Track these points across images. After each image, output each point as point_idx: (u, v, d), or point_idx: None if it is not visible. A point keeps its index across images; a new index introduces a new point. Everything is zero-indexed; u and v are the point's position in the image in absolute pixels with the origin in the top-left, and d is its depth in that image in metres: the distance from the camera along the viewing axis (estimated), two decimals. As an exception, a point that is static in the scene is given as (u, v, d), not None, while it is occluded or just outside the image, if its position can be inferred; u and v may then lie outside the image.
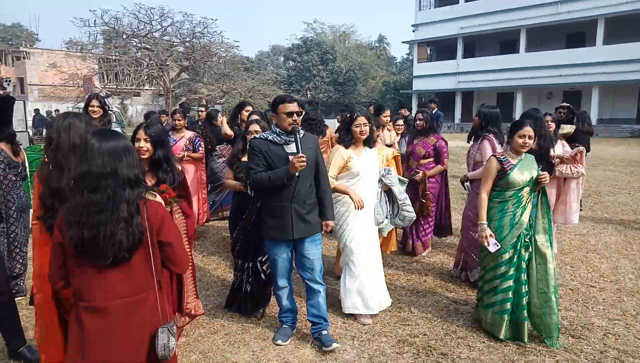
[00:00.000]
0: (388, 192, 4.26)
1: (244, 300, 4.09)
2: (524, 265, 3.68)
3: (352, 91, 43.94)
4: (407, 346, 3.60)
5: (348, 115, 4.04)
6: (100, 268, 1.98)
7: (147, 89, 32.34)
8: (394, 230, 5.02)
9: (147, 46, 22.89)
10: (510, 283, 3.66)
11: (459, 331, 3.83)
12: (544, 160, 4.68)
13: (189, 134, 6.07)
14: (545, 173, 3.72)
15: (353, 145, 4.00)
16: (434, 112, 10.92)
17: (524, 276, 3.67)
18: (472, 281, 4.68)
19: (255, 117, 4.81)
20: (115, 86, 24.39)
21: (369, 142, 4.04)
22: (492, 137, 4.72)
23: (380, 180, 4.19)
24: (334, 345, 3.52)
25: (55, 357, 2.51)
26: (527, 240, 3.68)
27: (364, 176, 3.97)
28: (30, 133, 20.92)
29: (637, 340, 3.68)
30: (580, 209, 8.02)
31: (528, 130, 3.64)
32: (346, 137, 4.01)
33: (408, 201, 4.30)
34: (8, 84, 4.32)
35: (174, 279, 3.35)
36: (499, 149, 4.57)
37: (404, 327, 3.89)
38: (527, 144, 3.66)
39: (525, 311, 3.63)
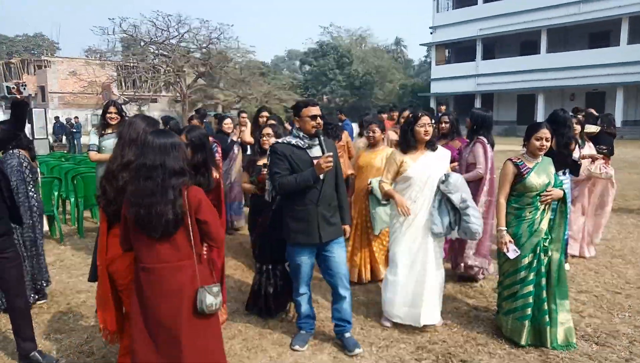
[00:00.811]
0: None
1: (265, 303, 4.08)
2: (543, 270, 3.59)
3: (369, 95, 43.88)
4: (426, 353, 3.53)
5: (411, 115, 3.90)
6: (151, 239, 2.49)
7: (164, 96, 32.77)
8: None
9: (164, 53, 23.17)
10: (531, 288, 3.58)
11: (479, 338, 3.75)
12: (568, 161, 4.60)
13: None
14: (553, 191, 3.61)
15: (413, 148, 3.83)
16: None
17: (544, 281, 3.59)
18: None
19: (271, 122, 4.81)
20: (132, 93, 24.76)
21: (432, 144, 3.87)
22: (484, 140, 4.73)
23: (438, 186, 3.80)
24: (357, 350, 3.50)
25: (109, 322, 2.87)
26: (546, 245, 3.60)
27: (417, 181, 3.77)
28: (51, 140, 21.34)
29: (666, 348, 3.55)
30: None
31: (545, 132, 3.57)
32: (406, 140, 3.84)
33: (473, 212, 3.70)
34: (24, 88, 4.39)
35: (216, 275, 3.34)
36: (490, 153, 4.66)
37: (422, 334, 3.82)
38: (545, 147, 3.59)
39: (547, 316, 3.54)
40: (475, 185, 4.66)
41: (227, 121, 6.42)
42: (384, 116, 8.80)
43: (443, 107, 11.13)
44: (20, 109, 3.24)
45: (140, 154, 2.53)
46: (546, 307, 3.55)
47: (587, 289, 4.72)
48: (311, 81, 44.29)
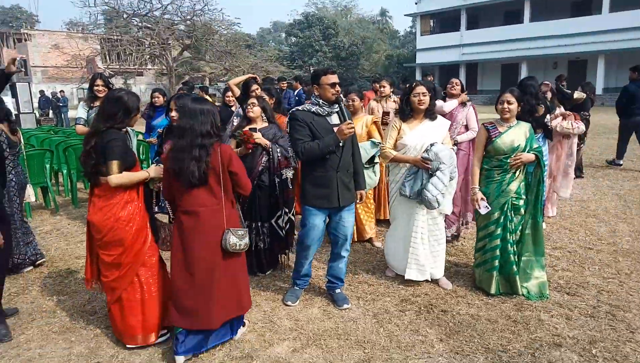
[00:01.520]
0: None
1: (257, 259, 4.33)
2: (511, 226, 3.87)
3: (356, 66, 43.62)
4: (410, 305, 3.79)
5: (407, 85, 4.05)
6: (189, 187, 2.91)
7: (149, 69, 32.32)
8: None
9: (148, 25, 22.83)
10: (498, 242, 3.88)
11: (459, 291, 4.02)
12: (540, 126, 4.86)
13: None
14: (521, 155, 3.80)
15: (411, 117, 3.99)
16: None
17: (512, 236, 3.88)
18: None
19: (258, 93, 4.97)
20: (118, 66, 24.45)
21: (430, 113, 3.98)
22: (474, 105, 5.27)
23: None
24: (346, 305, 3.75)
25: (87, 271, 3.36)
26: (515, 203, 3.86)
27: (412, 148, 3.94)
28: (37, 114, 21.10)
29: (630, 296, 3.85)
30: (582, 177, 8.21)
31: (506, 96, 3.85)
32: (405, 108, 3.99)
33: (436, 182, 3.75)
34: (22, 65, 4.43)
35: None
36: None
37: (406, 288, 4.08)
38: (507, 110, 3.83)
39: (514, 267, 3.84)
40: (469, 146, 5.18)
41: (229, 93, 6.48)
42: (377, 85, 8.81)
43: (430, 78, 11.21)
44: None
45: (178, 118, 3.05)
46: (513, 259, 3.84)
47: (561, 246, 5.01)
48: (297, 52, 43.82)
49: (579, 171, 8.30)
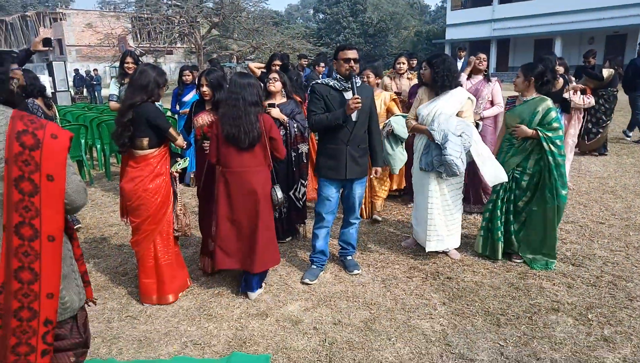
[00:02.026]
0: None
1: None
2: (505, 195, 4.10)
3: (384, 43, 43.12)
4: (417, 272, 4.00)
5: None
6: (238, 150, 3.37)
7: (179, 47, 32.77)
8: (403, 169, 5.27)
9: (177, 3, 23.12)
10: (490, 206, 4.20)
11: (465, 260, 4.20)
12: (557, 100, 4.94)
13: None
14: (518, 126, 3.93)
15: (431, 89, 4.13)
16: (462, 60, 10.85)
17: (503, 205, 4.11)
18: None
19: (277, 66, 5.18)
20: (148, 45, 24.89)
21: (439, 86, 3.98)
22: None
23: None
24: (356, 271, 3.99)
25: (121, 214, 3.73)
26: (518, 176, 4.02)
27: (423, 118, 4.06)
28: (72, 92, 21.83)
29: (634, 267, 3.96)
30: (606, 154, 8.15)
31: (518, 73, 4.00)
32: (421, 81, 4.40)
33: (453, 146, 3.81)
34: (50, 44, 4.77)
35: None
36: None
37: (415, 257, 4.29)
38: (515, 83, 4.02)
39: (499, 233, 4.11)
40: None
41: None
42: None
43: (463, 53, 11.03)
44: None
45: (229, 89, 3.42)
46: (499, 225, 4.11)
47: (573, 220, 5.10)
48: (325, 29, 43.54)
49: (603, 148, 8.24)
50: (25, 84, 3.60)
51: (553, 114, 3.83)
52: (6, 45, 45.25)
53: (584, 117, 6.20)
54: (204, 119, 3.82)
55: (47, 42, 4.40)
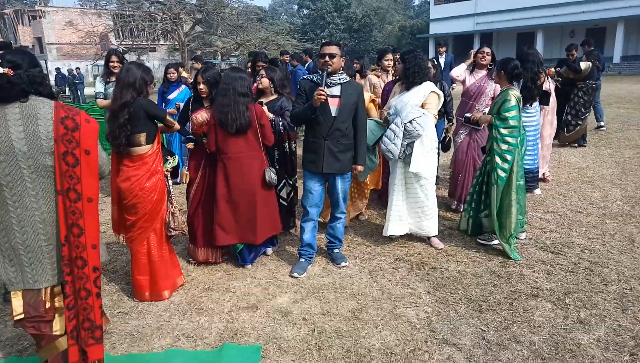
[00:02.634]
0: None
1: None
2: (482, 180, 4.40)
3: (368, 38, 43.27)
4: (403, 263, 4.12)
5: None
6: (232, 136, 3.77)
7: (162, 44, 32.53)
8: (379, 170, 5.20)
9: (160, 0, 22.94)
10: (470, 190, 4.58)
11: (449, 250, 4.33)
12: (534, 94, 5.20)
13: None
14: (477, 114, 4.50)
15: (401, 83, 4.48)
16: (443, 56, 10.96)
17: (481, 188, 4.41)
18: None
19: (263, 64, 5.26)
20: (131, 42, 24.69)
21: (406, 80, 4.27)
22: None
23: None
24: (343, 263, 4.09)
25: (113, 225, 3.79)
26: (486, 161, 4.36)
27: (392, 110, 4.26)
28: (54, 92, 21.53)
29: (610, 254, 4.12)
30: (584, 145, 8.36)
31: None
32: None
33: (388, 132, 4.16)
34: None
35: None
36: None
37: (401, 249, 4.40)
38: (494, 76, 4.54)
39: (480, 213, 4.44)
40: None
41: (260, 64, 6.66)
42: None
43: (443, 49, 11.12)
44: None
45: (222, 82, 3.85)
46: (474, 205, 4.52)
47: (553, 210, 5.26)
48: (309, 25, 43.56)
49: (582, 140, 8.45)
50: None
51: (508, 104, 4.08)
52: (-15, 44, 44.41)
53: (560, 108, 6.37)
54: (202, 115, 3.95)
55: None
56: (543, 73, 5.49)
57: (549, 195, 5.78)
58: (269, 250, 4.36)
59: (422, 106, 4.16)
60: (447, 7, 35.77)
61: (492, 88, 5.12)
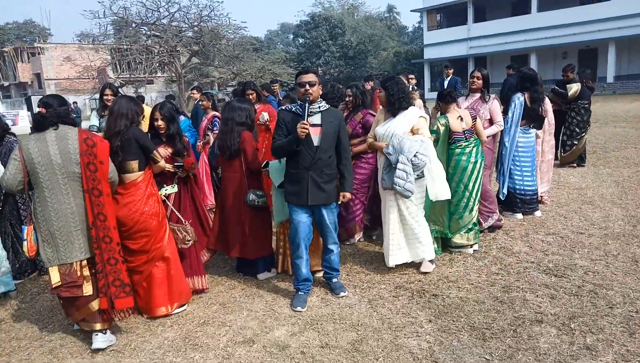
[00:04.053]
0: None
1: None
2: None
3: (364, 65, 43.77)
4: (403, 291, 4.02)
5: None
6: (228, 158, 4.23)
7: (159, 76, 32.91)
8: None
9: (157, 33, 23.26)
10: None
11: (450, 276, 4.23)
12: (536, 116, 5.31)
13: (211, 114, 6.37)
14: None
15: (388, 110, 4.26)
16: (448, 78, 11.02)
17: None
18: (486, 228, 5.19)
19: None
20: (128, 76, 24.93)
21: (392, 107, 4.17)
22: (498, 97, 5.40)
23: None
24: (342, 293, 3.96)
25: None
26: None
27: (380, 138, 4.21)
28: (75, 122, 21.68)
29: (614, 275, 4.03)
30: (583, 165, 8.32)
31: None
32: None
33: (400, 172, 3.95)
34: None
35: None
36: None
37: (401, 276, 4.31)
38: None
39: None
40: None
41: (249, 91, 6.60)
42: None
43: (450, 71, 11.21)
44: None
45: (225, 111, 4.33)
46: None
47: (554, 232, 5.18)
48: (305, 53, 44.11)
49: (580, 160, 8.42)
50: None
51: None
52: (-16, 80, 44.94)
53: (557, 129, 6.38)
54: (163, 151, 3.92)
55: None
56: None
57: (550, 216, 5.71)
58: (261, 276, 4.41)
59: (415, 131, 4.11)
60: (441, 32, 36.34)
61: (486, 109, 5.15)
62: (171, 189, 3.98)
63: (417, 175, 4.01)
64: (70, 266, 3.22)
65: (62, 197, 3.17)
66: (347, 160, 3.90)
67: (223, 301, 4.03)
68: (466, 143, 4.59)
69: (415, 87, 8.35)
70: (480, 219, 5.18)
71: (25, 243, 3.26)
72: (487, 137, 5.05)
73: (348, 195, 3.92)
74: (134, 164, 3.52)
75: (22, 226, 3.31)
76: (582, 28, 28.60)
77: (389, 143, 4.07)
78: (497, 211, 5.33)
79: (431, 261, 4.39)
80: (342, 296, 3.96)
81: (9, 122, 4.82)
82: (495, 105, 5.20)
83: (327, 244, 4.00)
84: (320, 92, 3.79)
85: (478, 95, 5.25)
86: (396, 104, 4.11)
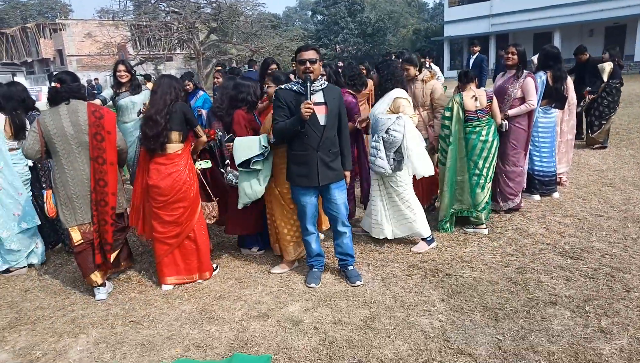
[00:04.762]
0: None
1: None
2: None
3: (382, 42, 43.07)
4: (416, 270, 4.04)
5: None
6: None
7: (178, 53, 32.89)
8: None
9: (175, 10, 23.22)
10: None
11: (464, 256, 4.23)
12: (560, 96, 5.41)
13: None
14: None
15: None
16: (475, 56, 10.74)
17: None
18: (506, 210, 5.22)
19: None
20: (148, 52, 24.98)
21: (380, 88, 4.41)
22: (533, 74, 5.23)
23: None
24: (358, 282, 3.83)
25: (132, 219, 4.11)
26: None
27: (371, 119, 4.36)
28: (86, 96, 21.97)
29: (632, 258, 3.98)
30: (605, 146, 8.15)
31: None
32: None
33: (373, 151, 4.17)
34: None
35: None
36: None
37: (415, 255, 4.32)
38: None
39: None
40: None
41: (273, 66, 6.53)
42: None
43: (477, 48, 10.91)
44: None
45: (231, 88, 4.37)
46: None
47: (572, 214, 5.11)
48: (323, 30, 43.57)
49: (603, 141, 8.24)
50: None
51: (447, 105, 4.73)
52: (7, 57, 45.50)
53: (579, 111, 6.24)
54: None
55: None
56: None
57: (568, 198, 5.63)
58: (244, 250, 4.64)
59: (398, 111, 4.13)
60: (462, 8, 35.44)
61: (517, 86, 4.94)
62: (205, 164, 4.18)
63: (395, 157, 4.05)
64: (88, 226, 3.70)
65: (77, 164, 3.61)
66: (347, 137, 3.81)
67: (239, 276, 4.10)
68: (478, 122, 4.56)
69: (431, 68, 8.19)
70: (499, 199, 5.15)
71: (45, 205, 3.80)
72: (514, 117, 4.93)
73: (348, 174, 3.88)
74: (177, 135, 3.77)
75: (42, 191, 3.81)
76: (609, 4, 27.57)
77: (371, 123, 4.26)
78: (520, 194, 5.23)
79: (428, 242, 4.43)
80: (358, 285, 3.82)
81: (34, 98, 4.97)
82: (527, 82, 4.92)
83: (337, 227, 3.87)
84: (321, 70, 3.66)
85: (514, 71, 5.04)
86: (383, 85, 4.27)
